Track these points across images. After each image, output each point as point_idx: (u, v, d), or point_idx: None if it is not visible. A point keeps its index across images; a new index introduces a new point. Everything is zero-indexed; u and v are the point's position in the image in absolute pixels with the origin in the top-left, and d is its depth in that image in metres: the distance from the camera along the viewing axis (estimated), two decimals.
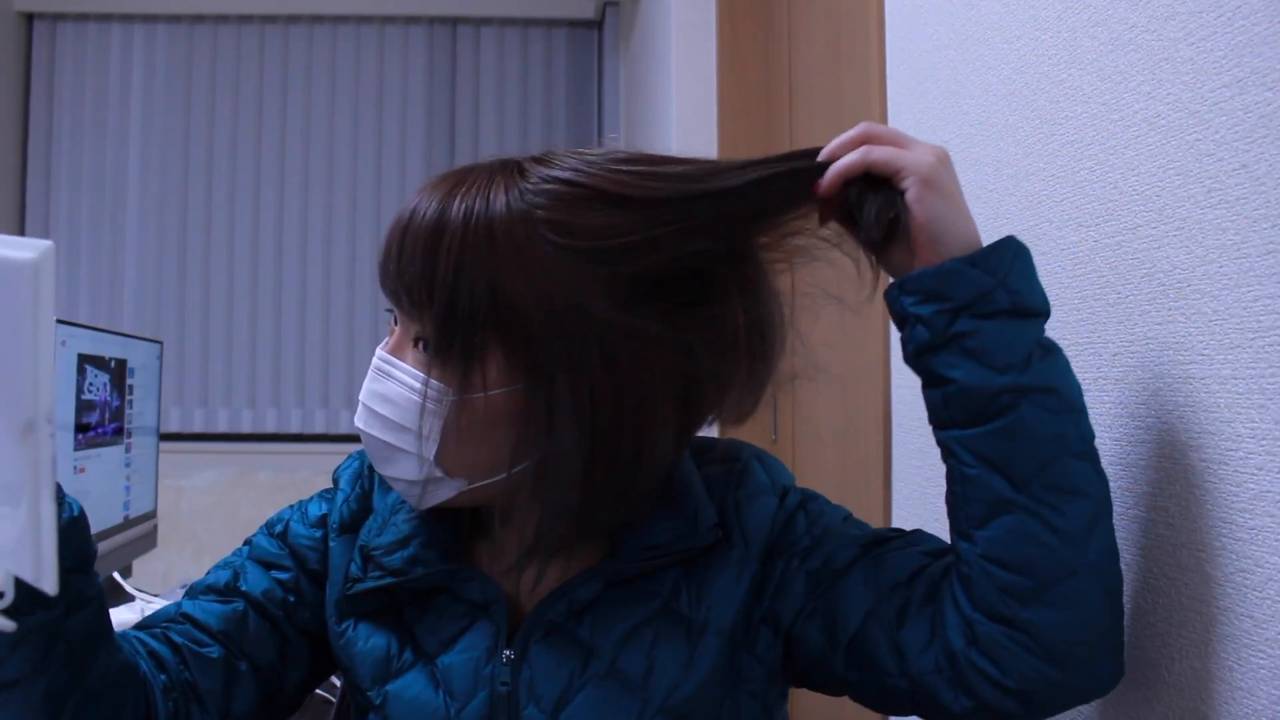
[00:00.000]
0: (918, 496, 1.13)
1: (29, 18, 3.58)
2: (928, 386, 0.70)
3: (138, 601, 1.33)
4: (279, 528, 0.86)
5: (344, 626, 0.80)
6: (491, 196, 0.69)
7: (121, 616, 1.27)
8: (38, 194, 3.55)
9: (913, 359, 0.69)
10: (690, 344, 0.70)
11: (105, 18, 3.58)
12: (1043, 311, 0.67)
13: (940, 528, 1.04)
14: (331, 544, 0.83)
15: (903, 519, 1.17)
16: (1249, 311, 0.60)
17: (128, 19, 3.58)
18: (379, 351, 0.74)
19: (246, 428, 3.55)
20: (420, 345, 0.72)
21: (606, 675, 0.74)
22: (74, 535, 0.68)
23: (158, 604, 1.33)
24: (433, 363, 0.70)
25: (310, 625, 0.83)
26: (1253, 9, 0.60)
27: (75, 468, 1.40)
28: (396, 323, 0.74)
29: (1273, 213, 0.58)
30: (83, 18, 3.58)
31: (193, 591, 0.84)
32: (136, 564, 1.74)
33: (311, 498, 0.87)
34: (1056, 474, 0.65)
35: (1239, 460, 0.61)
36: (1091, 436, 0.67)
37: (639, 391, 0.69)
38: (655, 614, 0.75)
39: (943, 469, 1.06)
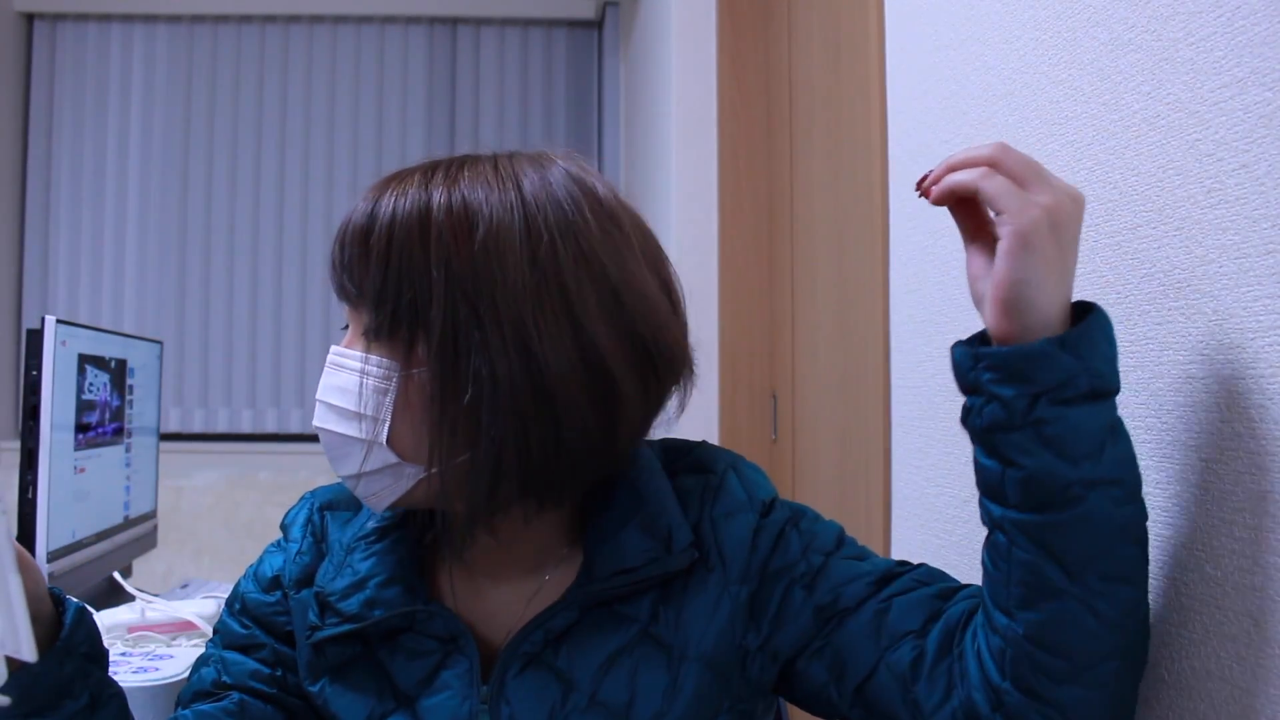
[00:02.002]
0: (918, 496, 1.13)
1: (29, 18, 3.58)
2: (985, 456, 0.65)
3: (138, 601, 1.33)
4: (237, 605, 0.84)
5: (319, 686, 0.78)
6: (416, 193, 0.72)
7: (121, 616, 1.27)
8: (38, 194, 3.55)
9: (979, 433, 0.65)
10: (594, 331, 0.70)
11: (105, 18, 3.58)
12: (1116, 389, 0.63)
13: (940, 528, 1.04)
14: (292, 602, 0.81)
15: (902, 519, 1.18)
16: (1249, 311, 0.60)
17: (128, 19, 3.59)
18: (332, 348, 0.75)
19: (246, 428, 3.55)
20: (367, 336, 0.73)
21: (589, 708, 0.72)
22: (86, 624, 0.74)
23: (158, 604, 1.33)
24: (373, 344, 0.72)
25: (304, 687, 0.81)
26: (1253, 9, 0.60)
27: (75, 468, 1.40)
28: (347, 325, 0.76)
29: (1273, 213, 0.58)
30: (83, 18, 3.58)
31: (183, 703, 0.82)
32: (136, 564, 1.74)
33: (264, 553, 0.86)
34: (1110, 563, 0.62)
35: (1239, 460, 0.61)
36: (1145, 517, 0.64)
37: (544, 375, 0.69)
38: (634, 640, 0.74)
39: (942, 469, 1.06)
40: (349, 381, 0.73)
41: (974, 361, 0.64)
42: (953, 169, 0.65)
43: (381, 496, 0.74)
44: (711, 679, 0.74)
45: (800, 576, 0.75)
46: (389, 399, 0.71)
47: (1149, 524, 0.68)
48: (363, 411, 0.72)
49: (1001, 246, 0.62)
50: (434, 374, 0.70)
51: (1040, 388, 0.61)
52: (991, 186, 0.62)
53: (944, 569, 0.99)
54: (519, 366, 0.68)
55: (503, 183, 0.73)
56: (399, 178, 0.75)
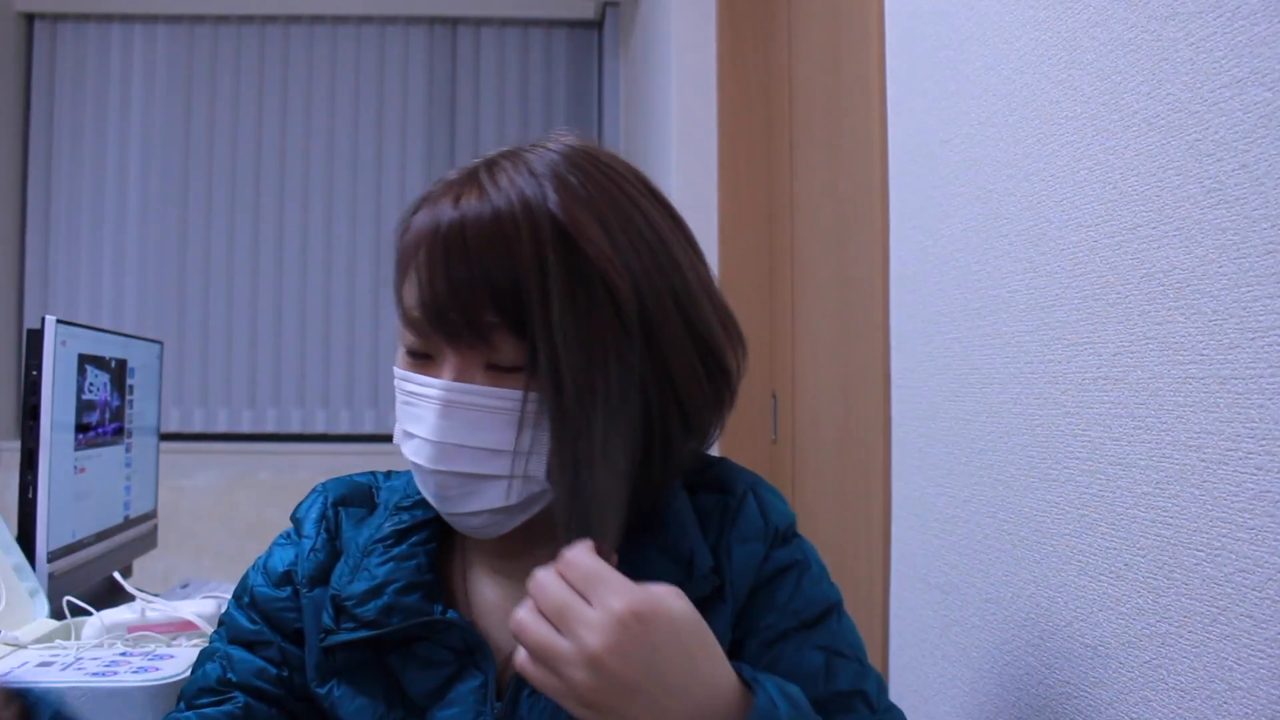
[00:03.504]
0: (917, 496, 1.13)
1: (29, 18, 3.58)
2: None
3: (138, 601, 1.33)
4: (246, 598, 0.81)
5: (327, 688, 0.76)
6: (539, 185, 0.69)
7: (121, 616, 1.27)
8: (38, 194, 3.55)
9: None
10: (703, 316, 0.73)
11: (105, 18, 3.58)
12: None
13: (940, 528, 1.04)
14: (304, 600, 0.79)
15: (902, 519, 1.18)
16: (1249, 311, 0.60)
17: (128, 19, 3.59)
18: (444, 383, 0.69)
19: (246, 428, 3.55)
20: (494, 368, 0.69)
21: None
22: None
23: (158, 604, 1.33)
24: (504, 375, 0.69)
25: (309, 688, 0.79)
26: (1252, 9, 0.60)
27: (75, 468, 1.40)
28: (424, 352, 0.71)
29: (1272, 213, 0.58)
30: (83, 18, 3.58)
31: (186, 698, 0.79)
32: (136, 564, 1.74)
33: (273, 545, 0.83)
34: None
35: (1239, 460, 0.61)
36: None
37: (670, 367, 0.70)
38: None
39: (943, 469, 1.06)
40: (485, 420, 0.69)
41: None
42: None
43: (504, 525, 0.72)
44: None
45: (762, 629, 0.73)
46: (543, 431, 0.68)
47: (1150, 525, 0.69)
48: (506, 449, 0.69)
49: None
50: (554, 396, 0.67)
51: None
52: (533, 679, 0.61)
53: (944, 569, 0.99)
54: (650, 368, 0.69)
55: (587, 175, 0.71)
56: (478, 174, 0.70)
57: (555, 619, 0.60)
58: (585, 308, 0.67)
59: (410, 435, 0.71)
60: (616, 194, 0.71)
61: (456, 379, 0.69)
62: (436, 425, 0.69)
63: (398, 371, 0.73)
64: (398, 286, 0.73)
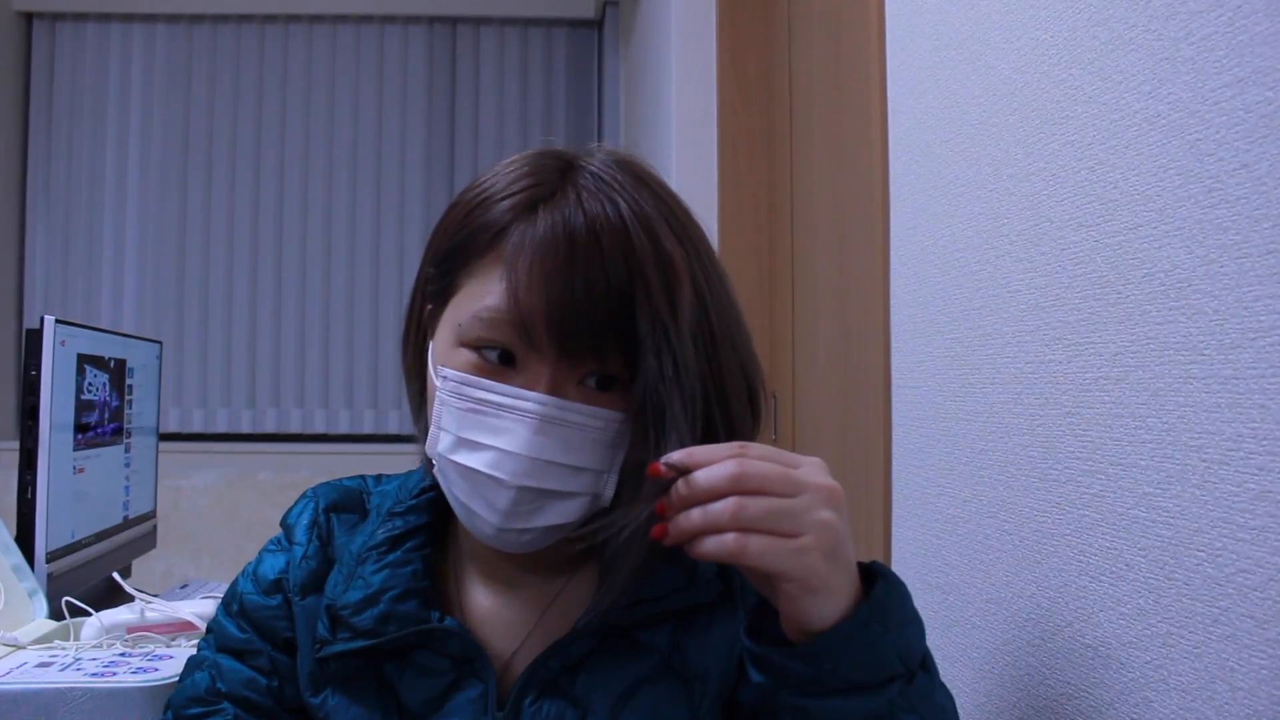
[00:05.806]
0: (918, 496, 1.12)
1: (29, 18, 3.58)
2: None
3: (138, 601, 1.33)
4: (235, 605, 0.80)
5: (321, 698, 0.75)
6: (634, 200, 0.69)
7: (121, 616, 1.27)
8: (37, 194, 3.55)
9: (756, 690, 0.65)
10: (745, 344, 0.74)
11: (105, 18, 3.58)
12: (891, 676, 0.62)
13: (940, 528, 1.04)
14: (296, 609, 0.78)
15: (903, 519, 1.17)
16: (1249, 311, 0.60)
17: (128, 19, 3.59)
18: (543, 397, 0.67)
19: (246, 428, 3.56)
20: (591, 382, 0.68)
21: None
22: None
23: (158, 604, 1.33)
24: (597, 394, 0.68)
25: (300, 699, 0.78)
26: (1253, 9, 0.60)
27: (75, 468, 1.40)
28: (508, 352, 0.69)
29: (1273, 213, 0.58)
30: (82, 18, 3.58)
31: (175, 708, 0.78)
32: (136, 564, 1.74)
33: (262, 551, 0.82)
34: None
35: (1239, 460, 0.61)
36: None
37: (724, 381, 0.71)
38: (654, 671, 0.72)
39: (943, 469, 1.06)
40: (577, 438, 0.67)
41: (752, 650, 0.64)
42: (694, 492, 0.59)
43: (542, 543, 0.71)
44: (726, 712, 0.72)
45: None
46: (622, 451, 0.68)
47: (1150, 525, 0.68)
48: (594, 467, 0.68)
49: (782, 597, 0.60)
50: (654, 411, 0.67)
51: (783, 683, 0.62)
52: (755, 548, 0.57)
53: (944, 569, 1.00)
54: (712, 392, 0.69)
55: (658, 196, 0.71)
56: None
57: (775, 488, 0.59)
58: (685, 329, 0.68)
59: (482, 446, 0.68)
60: (692, 230, 0.72)
61: (552, 393, 0.67)
62: (531, 441, 0.66)
63: (462, 376, 0.69)
64: (450, 284, 0.71)
